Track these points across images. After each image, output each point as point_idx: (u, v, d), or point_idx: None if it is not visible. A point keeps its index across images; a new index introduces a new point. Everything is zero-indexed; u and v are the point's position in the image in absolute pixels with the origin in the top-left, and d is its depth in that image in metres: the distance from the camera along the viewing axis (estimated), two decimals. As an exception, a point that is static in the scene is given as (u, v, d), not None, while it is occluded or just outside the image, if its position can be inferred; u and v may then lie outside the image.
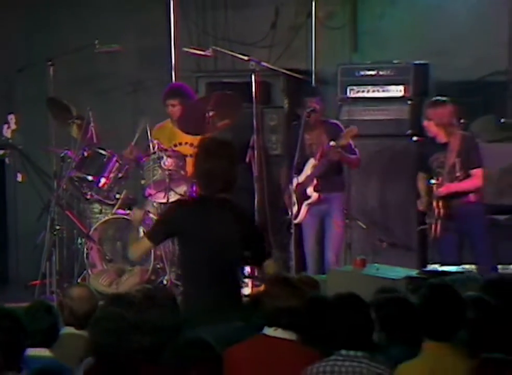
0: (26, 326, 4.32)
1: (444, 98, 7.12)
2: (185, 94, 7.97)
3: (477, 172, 6.96)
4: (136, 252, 5.39)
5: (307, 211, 7.47)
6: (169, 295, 4.58)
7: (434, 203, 6.91)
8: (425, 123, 7.09)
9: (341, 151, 7.27)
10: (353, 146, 7.41)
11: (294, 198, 7.46)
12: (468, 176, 6.93)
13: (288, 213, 7.51)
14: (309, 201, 7.44)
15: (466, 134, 7.12)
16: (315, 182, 7.40)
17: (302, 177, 7.45)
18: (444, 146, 7.01)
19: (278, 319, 4.35)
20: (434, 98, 7.18)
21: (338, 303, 4.18)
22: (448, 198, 6.92)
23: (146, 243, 5.25)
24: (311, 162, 7.42)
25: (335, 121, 7.62)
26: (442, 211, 6.89)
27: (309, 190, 7.43)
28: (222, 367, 3.93)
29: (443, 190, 6.90)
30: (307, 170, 7.43)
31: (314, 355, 4.20)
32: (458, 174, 6.92)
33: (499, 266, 7.13)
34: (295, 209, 7.47)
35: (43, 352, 4.40)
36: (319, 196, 7.40)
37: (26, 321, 4.39)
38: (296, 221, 7.50)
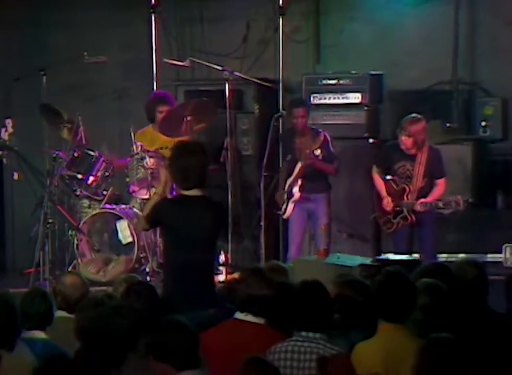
0: (25, 310, 4.31)
1: (419, 116, 7.11)
2: (172, 101, 8.00)
3: (441, 181, 7.02)
4: (139, 227, 5.63)
5: (293, 208, 7.44)
6: (150, 288, 4.59)
7: (405, 211, 6.99)
8: (403, 138, 7.02)
9: (314, 158, 7.25)
10: (333, 155, 7.38)
11: (285, 196, 7.44)
12: (432, 185, 6.99)
13: (280, 208, 7.49)
14: (293, 199, 7.42)
15: (432, 146, 7.12)
16: (299, 182, 7.39)
17: (291, 179, 7.44)
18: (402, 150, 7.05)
19: (250, 306, 4.35)
20: (412, 115, 7.13)
21: (302, 290, 4.20)
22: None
23: (144, 223, 5.28)
24: (299, 164, 7.42)
25: (321, 130, 7.54)
26: (413, 218, 6.99)
27: (295, 189, 7.43)
28: (199, 346, 3.92)
29: (420, 209, 6.93)
30: (296, 171, 7.42)
31: (280, 337, 4.22)
32: (424, 184, 6.97)
33: (444, 255, 7.20)
34: (285, 206, 7.45)
35: (39, 334, 4.39)
36: (301, 194, 7.39)
37: (24, 306, 4.39)
38: (284, 217, 7.49)
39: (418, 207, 6.95)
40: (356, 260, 6.17)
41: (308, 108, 7.56)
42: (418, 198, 7.00)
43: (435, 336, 3.67)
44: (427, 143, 7.08)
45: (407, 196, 7.04)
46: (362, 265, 5.79)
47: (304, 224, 7.52)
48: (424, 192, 7.02)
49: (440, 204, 6.94)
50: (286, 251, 7.59)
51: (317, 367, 3.85)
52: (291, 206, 7.44)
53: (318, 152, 7.26)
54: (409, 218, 7.01)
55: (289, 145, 7.50)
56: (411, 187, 7.00)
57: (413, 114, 7.15)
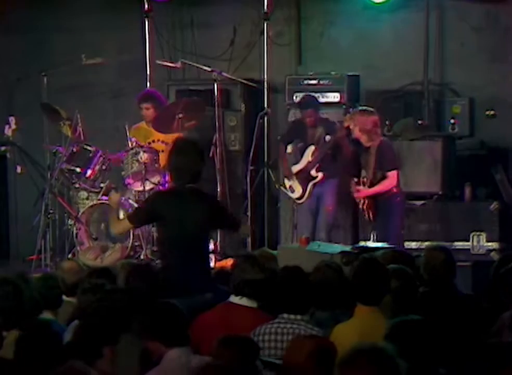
0: (38, 293, 4.28)
1: (371, 108, 7.04)
2: (156, 98, 7.96)
3: (392, 174, 6.82)
4: (118, 229, 5.45)
5: (312, 189, 7.35)
6: (153, 269, 4.57)
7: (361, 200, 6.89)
8: (352, 126, 6.94)
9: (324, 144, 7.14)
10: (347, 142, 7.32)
11: (296, 182, 7.38)
12: (384, 177, 6.82)
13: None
14: (315, 181, 7.33)
15: (384, 140, 6.98)
16: (317, 165, 7.33)
17: (303, 163, 7.37)
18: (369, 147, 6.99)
19: (243, 289, 4.35)
20: (362, 107, 7.11)
21: (282, 275, 4.20)
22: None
23: (127, 224, 5.24)
24: (311, 148, 7.36)
25: (325, 117, 7.54)
26: (366, 203, 6.84)
27: (313, 172, 7.36)
28: (187, 326, 3.90)
29: (360, 195, 6.85)
30: (308, 155, 7.35)
31: (270, 319, 4.21)
32: (376, 174, 6.83)
33: (414, 243, 7.16)
34: (297, 191, 7.39)
35: (47, 314, 4.38)
36: (324, 175, 7.31)
37: (39, 288, 4.36)
38: (300, 201, 7.42)
39: (356, 197, 6.85)
40: (335, 247, 6.17)
41: (316, 107, 7.48)
42: (370, 187, 6.83)
43: (401, 318, 3.63)
44: (380, 137, 6.90)
45: (363, 185, 6.89)
46: (343, 253, 5.78)
47: (314, 209, 7.41)
48: (375, 183, 6.82)
49: None
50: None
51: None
52: (310, 188, 7.34)
53: (328, 138, 7.20)
54: (362, 203, 6.87)
55: (300, 133, 7.45)
56: (365, 177, 6.84)
57: (364, 107, 7.08)
